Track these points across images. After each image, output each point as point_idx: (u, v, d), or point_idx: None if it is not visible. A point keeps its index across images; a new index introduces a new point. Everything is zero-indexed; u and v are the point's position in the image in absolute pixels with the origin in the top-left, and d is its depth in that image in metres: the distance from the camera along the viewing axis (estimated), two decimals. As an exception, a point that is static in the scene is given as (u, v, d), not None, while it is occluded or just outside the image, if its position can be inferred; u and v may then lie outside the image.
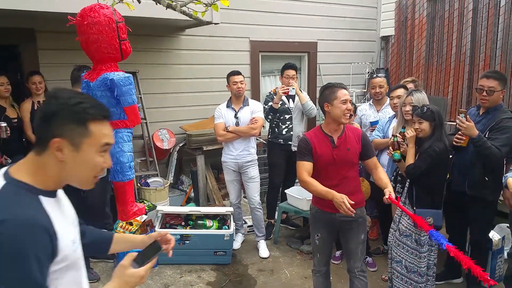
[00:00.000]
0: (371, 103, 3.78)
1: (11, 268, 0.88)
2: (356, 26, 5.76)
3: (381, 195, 2.26)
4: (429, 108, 2.53)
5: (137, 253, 1.19)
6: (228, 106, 3.62)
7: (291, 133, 3.90)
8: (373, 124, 3.59)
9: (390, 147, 2.74)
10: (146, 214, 3.74)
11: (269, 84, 5.38)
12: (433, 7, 5.21)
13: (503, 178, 2.38)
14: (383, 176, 2.36)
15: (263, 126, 3.75)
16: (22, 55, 4.05)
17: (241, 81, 3.53)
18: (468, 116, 2.62)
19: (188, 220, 3.63)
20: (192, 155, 4.47)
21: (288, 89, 3.73)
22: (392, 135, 2.78)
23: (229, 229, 3.49)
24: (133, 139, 4.27)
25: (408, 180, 2.64)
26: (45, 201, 1.00)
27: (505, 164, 2.83)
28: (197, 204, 4.40)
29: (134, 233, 3.58)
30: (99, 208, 3.18)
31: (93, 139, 1.02)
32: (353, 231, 2.40)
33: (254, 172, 3.62)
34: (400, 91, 3.14)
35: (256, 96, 5.03)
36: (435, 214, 2.48)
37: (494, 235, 2.99)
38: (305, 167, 2.32)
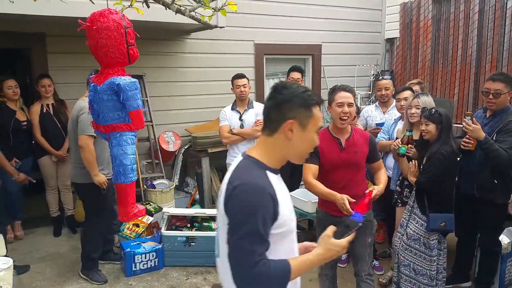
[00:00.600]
0: (377, 105, 3.80)
1: (244, 221, 1.12)
2: (361, 28, 5.77)
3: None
4: (437, 111, 2.53)
5: (336, 228, 1.32)
6: (233, 108, 3.64)
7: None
8: (379, 125, 3.61)
9: (399, 139, 2.74)
10: (152, 216, 3.78)
11: (273, 86, 5.39)
12: (438, 9, 5.21)
13: None
14: (381, 177, 2.39)
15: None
16: (31, 58, 4.11)
17: (244, 84, 3.55)
18: (474, 118, 2.61)
19: (193, 222, 3.65)
20: (197, 157, 4.50)
21: None
22: (406, 130, 2.77)
23: (234, 231, 3.50)
24: (139, 141, 4.34)
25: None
26: (270, 175, 1.22)
27: None
28: (202, 206, 4.42)
29: (140, 234, 3.61)
30: (110, 206, 3.23)
31: (315, 120, 1.24)
32: (359, 234, 2.40)
33: (259, 174, 3.63)
34: (407, 93, 3.15)
35: (260, 98, 5.04)
36: (447, 219, 2.48)
37: (503, 238, 2.96)
38: (310, 170, 2.33)
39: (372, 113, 3.76)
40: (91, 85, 2.37)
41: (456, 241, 3.12)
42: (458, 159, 2.71)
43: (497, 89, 2.63)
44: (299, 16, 5.24)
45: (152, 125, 4.44)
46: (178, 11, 2.11)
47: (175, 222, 3.64)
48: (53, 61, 4.03)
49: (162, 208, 3.90)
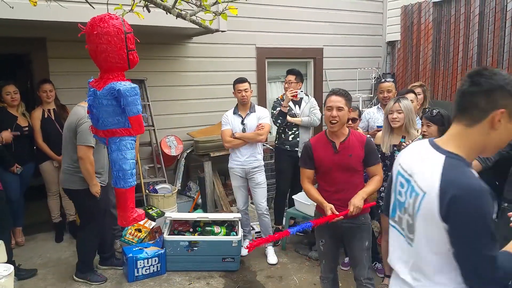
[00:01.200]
0: (379, 107, 3.83)
1: (479, 231, 1.07)
2: (362, 31, 5.77)
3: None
4: (439, 112, 2.51)
5: None
6: (235, 112, 3.64)
7: (298, 139, 3.91)
8: (380, 127, 3.60)
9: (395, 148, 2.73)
10: (154, 221, 3.76)
11: (275, 90, 5.39)
12: (439, 12, 5.21)
13: None
14: (369, 185, 2.36)
15: (270, 132, 3.77)
16: (32, 63, 4.12)
17: (246, 89, 3.54)
18: None
19: (196, 226, 3.63)
20: (199, 161, 4.49)
21: (296, 92, 3.77)
22: (402, 136, 2.76)
23: (237, 235, 3.49)
24: (140, 146, 4.33)
25: None
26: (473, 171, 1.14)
27: None
28: (205, 211, 4.40)
29: (142, 239, 3.59)
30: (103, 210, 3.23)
31: None
32: (356, 238, 2.39)
33: (261, 178, 3.62)
34: (411, 96, 3.15)
35: (262, 102, 5.05)
36: None
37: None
38: (306, 174, 2.39)
39: (374, 115, 3.82)
40: (91, 89, 2.36)
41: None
42: None
43: None
44: (301, 20, 5.25)
45: (154, 130, 4.44)
46: (179, 15, 2.11)
47: (178, 226, 3.62)
48: (54, 66, 4.03)
49: (164, 212, 3.88)
